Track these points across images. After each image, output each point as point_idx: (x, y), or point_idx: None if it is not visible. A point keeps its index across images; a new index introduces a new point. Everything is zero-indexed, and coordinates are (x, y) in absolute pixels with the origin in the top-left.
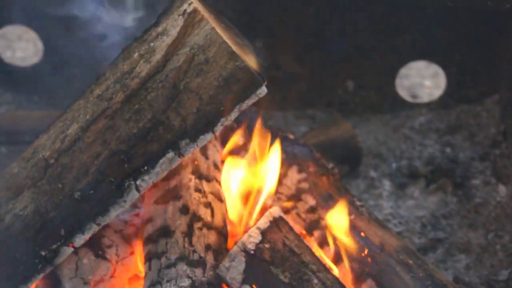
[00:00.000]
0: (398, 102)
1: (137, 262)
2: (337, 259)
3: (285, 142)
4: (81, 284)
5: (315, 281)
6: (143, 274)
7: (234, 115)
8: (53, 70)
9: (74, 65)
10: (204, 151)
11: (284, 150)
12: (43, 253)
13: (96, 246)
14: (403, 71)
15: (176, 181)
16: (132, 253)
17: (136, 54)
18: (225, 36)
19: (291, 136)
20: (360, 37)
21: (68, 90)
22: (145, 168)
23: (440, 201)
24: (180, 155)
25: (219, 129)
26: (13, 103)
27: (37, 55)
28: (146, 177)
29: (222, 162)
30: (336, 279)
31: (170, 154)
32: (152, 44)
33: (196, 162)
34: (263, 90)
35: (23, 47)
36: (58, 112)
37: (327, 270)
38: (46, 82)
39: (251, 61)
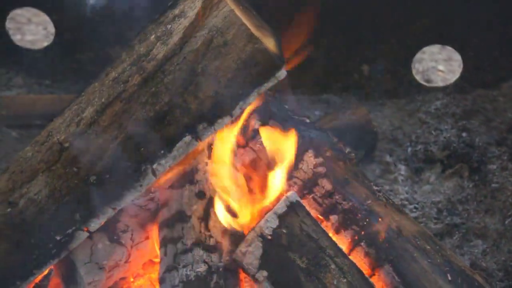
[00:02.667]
0: (414, 86)
1: (153, 247)
2: (354, 244)
3: (301, 126)
4: (96, 269)
5: (333, 266)
6: (158, 259)
7: (252, 98)
8: (65, 54)
9: (86, 49)
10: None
11: (300, 134)
12: (58, 238)
13: (111, 231)
14: (419, 55)
15: (193, 165)
16: (147, 238)
17: (153, 36)
18: (244, 18)
19: (308, 120)
20: (376, 21)
21: (79, 74)
22: (162, 152)
23: (456, 186)
24: (198, 138)
25: (237, 112)
26: (24, 87)
27: (48, 38)
28: (162, 161)
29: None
30: (353, 264)
31: (187, 138)
32: (169, 26)
33: (212, 146)
34: (282, 73)
35: (33, 30)
36: (69, 96)
37: (345, 255)
38: (58, 65)
39: (270, 44)
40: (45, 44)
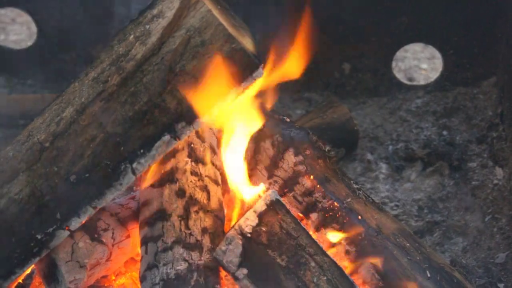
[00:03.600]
0: (395, 84)
1: (134, 245)
2: (333, 242)
3: (281, 125)
4: (77, 267)
5: (312, 264)
6: (139, 258)
7: (231, 98)
8: (48, 54)
9: (68, 48)
10: (200, 133)
11: (280, 133)
12: (39, 237)
13: (92, 230)
14: (400, 53)
15: (172, 164)
16: (128, 236)
17: (131, 37)
18: (221, 18)
19: (288, 119)
20: (356, 19)
21: (62, 74)
22: (141, 151)
23: (437, 184)
24: (176, 138)
25: (216, 112)
26: (7, 87)
27: (31, 38)
28: (142, 160)
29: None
30: (333, 262)
31: (166, 137)
32: (147, 26)
33: (192, 145)
34: (259, 73)
35: (16, 30)
36: (52, 95)
37: (324, 253)
38: (40, 65)
39: (248, 44)
40: (29, 44)
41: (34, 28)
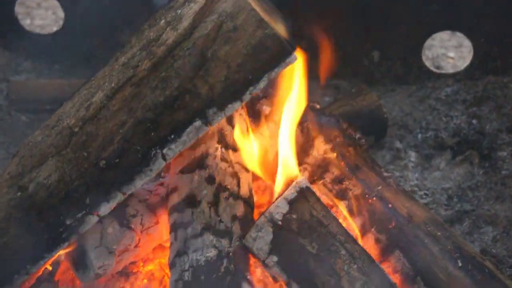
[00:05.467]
0: (424, 73)
1: (162, 232)
2: (364, 230)
3: (311, 112)
4: (106, 253)
5: (343, 252)
6: (167, 244)
7: (263, 83)
8: (74, 38)
9: (95, 34)
10: (230, 120)
11: (311, 120)
12: (68, 222)
13: (120, 216)
14: (429, 41)
15: (202, 150)
16: (156, 222)
17: (162, 21)
18: (254, 3)
19: (318, 106)
20: (387, 6)
21: (89, 59)
22: (172, 136)
23: (466, 173)
24: (208, 123)
25: (247, 98)
26: (33, 72)
27: (57, 23)
28: (172, 146)
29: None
30: (363, 250)
31: (197, 123)
32: (179, 11)
33: (222, 131)
34: (292, 58)
35: (42, 14)
36: (79, 80)
37: (355, 241)
38: (67, 50)
39: (280, 29)
40: (55, 29)
41: (60, 13)
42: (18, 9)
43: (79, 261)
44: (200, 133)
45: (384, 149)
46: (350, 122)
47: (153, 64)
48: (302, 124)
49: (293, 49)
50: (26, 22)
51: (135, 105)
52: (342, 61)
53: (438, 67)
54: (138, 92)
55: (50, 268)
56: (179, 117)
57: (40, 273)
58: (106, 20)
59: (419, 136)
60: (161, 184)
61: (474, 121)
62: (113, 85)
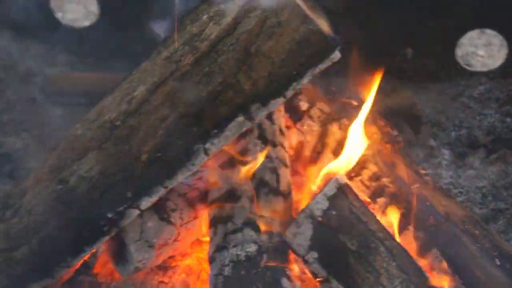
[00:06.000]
0: (457, 70)
1: (201, 226)
2: (402, 228)
3: (349, 109)
4: (146, 247)
5: (382, 249)
6: (206, 239)
7: (306, 79)
8: (109, 32)
9: (130, 28)
10: (270, 116)
11: (348, 117)
12: (109, 215)
13: (161, 210)
14: (463, 39)
15: (242, 145)
16: (196, 217)
17: (205, 16)
18: None
19: (355, 103)
20: (421, 4)
21: (124, 53)
22: (214, 131)
23: (500, 171)
24: (250, 119)
25: (290, 93)
26: (68, 65)
27: (88, 18)
28: (215, 141)
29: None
30: (402, 247)
31: (240, 118)
32: (222, 6)
33: (262, 127)
34: (336, 55)
35: (73, 8)
36: (113, 74)
37: (393, 239)
38: (102, 44)
39: (324, 25)
40: (86, 23)
41: (91, 8)
42: (53, 2)
43: (119, 255)
44: (243, 128)
45: (418, 147)
46: (387, 119)
47: (196, 59)
48: (339, 121)
49: (337, 45)
50: (59, 16)
51: (178, 99)
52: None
53: (473, 65)
54: (180, 87)
55: (89, 261)
56: (222, 112)
57: (79, 265)
58: (140, 14)
59: (453, 134)
60: (200, 178)
61: (508, 120)
62: (155, 79)
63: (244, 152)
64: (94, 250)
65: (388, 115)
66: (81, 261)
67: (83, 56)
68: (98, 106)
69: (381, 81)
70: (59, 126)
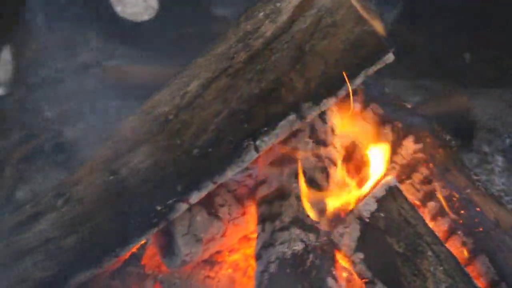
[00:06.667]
0: None
1: (248, 223)
2: (450, 233)
3: (402, 111)
4: (194, 241)
5: (430, 253)
6: (254, 235)
7: (359, 80)
8: (168, 27)
9: (188, 23)
10: (322, 115)
11: (401, 119)
12: (158, 208)
13: (209, 205)
14: None
15: (293, 144)
16: (243, 213)
17: (261, 14)
18: (352, 0)
19: (409, 106)
20: (482, 8)
21: (181, 48)
22: (265, 129)
23: None
24: (302, 118)
25: (342, 93)
26: (126, 58)
27: (148, 12)
28: (265, 138)
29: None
30: (450, 252)
31: (292, 116)
32: (278, 4)
33: (314, 126)
34: (390, 57)
35: (133, 2)
36: (170, 69)
37: (442, 243)
38: (161, 38)
39: (378, 27)
40: (145, 18)
41: (151, 2)
42: None
43: (167, 247)
44: (294, 126)
45: (472, 152)
46: (441, 123)
47: (249, 56)
48: (392, 123)
49: (391, 47)
50: (118, 9)
51: (230, 96)
52: (434, 61)
53: None
54: (233, 83)
55: (137, 252)
56: (274, 110)
57: (127, 256)
58: (199, 10)
59: (507, 141)
60: (249, 175)
61: None
62: (209, 75)
63: (294, 150)
64: (142, 242)
65: (442, 119)
66: (129, 252)
67: (141, 49)
68: (152, 99)
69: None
70: (114, 117)
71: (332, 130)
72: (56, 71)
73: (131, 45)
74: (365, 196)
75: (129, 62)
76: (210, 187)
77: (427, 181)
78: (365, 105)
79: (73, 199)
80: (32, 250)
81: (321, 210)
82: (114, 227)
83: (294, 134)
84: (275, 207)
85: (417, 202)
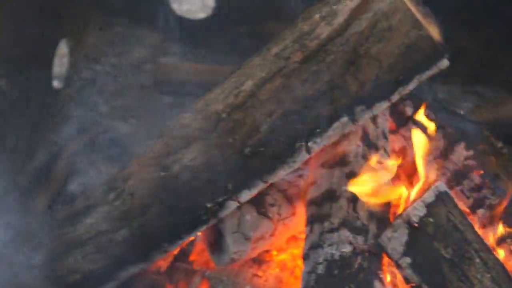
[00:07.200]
0: None
1: (297, 223)
2: (499, 241)
3: (454, 117)
4: (243, 239)
5: (477, 260)
6: (302, 236)
7: (412, 85)
8: (223, 26)
9: (243, 23)
10: (374, 119)
11: (453, 125)
12: (208, 205)
13: (259, 204)
14: None
15: (344, 146)
16: (293, 213)
17: (317, 16)
18: (409, 4)
19: (461, 112)
20: None
21: (235, 47)
22: (318, 130)
23: None
24: (354, 120)
25: (395, 98)
26: (180, 55)
27: (204, 10)
28: (317, 140)
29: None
30: (498, 260)
31: (344, 119)
32: (334, 6)
33: (365, 129)
34: (444, 63)
35: (191, 0)
36: (222, 67)
37: (490, 251)
38: (213, 37)
39: (434, 32)
40: (201, 16)
41: (209, 1)
42: None
43: (216, 245)
44: (346, 129)
45: None
46: (492, 130)
47: (304, 57)
48: (444, 129)
49: (446, 53)
50: (174, 6)
51: (284, 96)
52: (487, 68)
53: None
54: (288, 84)
55: (186, 248)
56: (326, 112)
57: (176, 252)
58: (254, 10)
59: None
60: (300, 176)
61: None
62: (263, 74)
63: (346, 153)
64: (191, 238)
65: (494, 127)
66: (178, 248)
67: (195, 47)
68: (205, 97)
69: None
70: (166, 114)
71: (384, 134)
72: (111, 66)
73: (186, 42)
74: (414, 200)
75: (183, 60)
76: (260, 186)
77: (477, 188)
78: (417, 110)
79: (125, 193)
80: (83, 243)
81: None
82: (164, 223)
83: (345, 137)
84: (325, 209)
85: (467, 209)
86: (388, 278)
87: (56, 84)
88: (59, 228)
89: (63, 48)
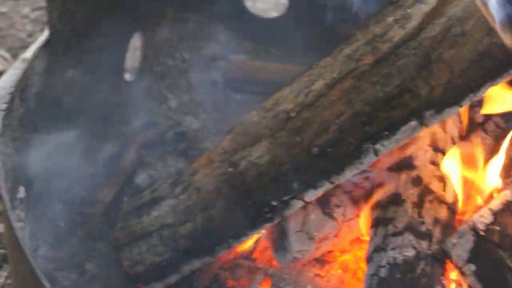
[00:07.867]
0: None
1: (361, 225)
2: None
3: None
4: (306, 239)
5: None
6: (365, 238)
7: (483, 92)
8: (295, 26)
9: (315, 23)
10: (443, 124)
11: None
12: (274, 203)
13: (324, 204)
14: None
15: (412, 150)
16: (358, 215)
17: (390, 18)
18: (483, 10)
19: None
20: None
21: (306, 48)
22: (386, 133)
23: None
24: (423, 125)
25: (465, 104)
26: (251, 53)
27: (277, 8)
28: (385, 142)
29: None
30: None
31: (413, 123)
32: (408, 10)
33: (434, 134)
34: None
35: None
36: (294, 67)
37: None
38: (287, 36)
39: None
40: (274, 14)
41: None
42: None
43: (279, 243)
44: (415, 133)
45: None
46: None
47: (376, 60)
48: None
49: None
50: (248, 4)
51: (354, 97)
52: None
53: None
54: (358, 85)
55: (250, 245)
56: (396, 115)
57: (239, 249)
58: (328, 11)
59: None
60: (366, 178)
61: None
62: (334, 75)
63: (413, 157)
64: (255, 235)
65: None
66: (242, 244)
67: (267, 45)
68: (275, 96)
69: None
70: (236, 111)
71: (452, 140)
72: (182, 61)
73: (258, 41)
74: (480, 207)
75: (255, 58)
76: (327, 186)
77: None
78: (487, 117)
79: (191, 187)
80: (147, 235)
81: None
82: (230, 219)
83: (413, 141)
84: (389, 212)
85: None
86: (453, 286)
87: (128, 77)
88: (124, 219)
89: (136, 41)
